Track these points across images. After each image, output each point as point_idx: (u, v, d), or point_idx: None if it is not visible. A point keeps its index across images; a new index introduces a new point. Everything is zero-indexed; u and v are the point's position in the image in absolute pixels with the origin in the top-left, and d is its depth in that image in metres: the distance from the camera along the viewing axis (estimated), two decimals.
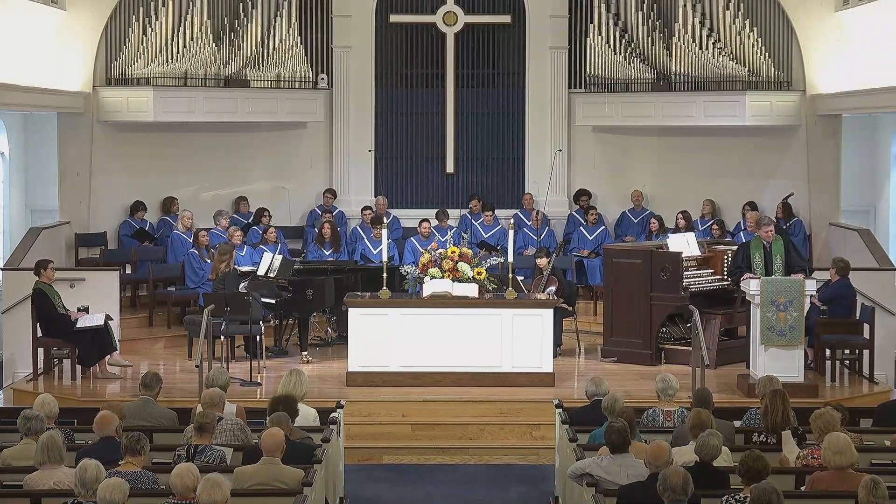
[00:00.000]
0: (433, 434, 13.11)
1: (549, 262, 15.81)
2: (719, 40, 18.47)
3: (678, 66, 18.39)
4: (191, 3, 18.29)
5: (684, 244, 15.64)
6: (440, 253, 14.29)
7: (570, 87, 19.32)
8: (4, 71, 15.65)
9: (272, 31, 18.78)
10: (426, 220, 17.87)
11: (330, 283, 15.78)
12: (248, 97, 18.54)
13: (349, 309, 14.15)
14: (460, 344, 13.99)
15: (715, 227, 17.89)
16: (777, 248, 13.61)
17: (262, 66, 18.64)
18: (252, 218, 18.47)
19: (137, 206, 18.37)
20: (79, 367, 14.54)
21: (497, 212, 18.69)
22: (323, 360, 15.60)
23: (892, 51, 16.03)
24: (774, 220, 15.76)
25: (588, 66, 18.87)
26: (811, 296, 13.54)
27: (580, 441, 9.83)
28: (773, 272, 13.48)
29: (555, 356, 14.56)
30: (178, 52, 18.11)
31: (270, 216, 18.25)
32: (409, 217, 18.83)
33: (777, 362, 13.23)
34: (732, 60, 18.28)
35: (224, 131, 18.93)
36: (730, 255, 15.39)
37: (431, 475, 12.28)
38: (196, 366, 13.17)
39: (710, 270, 15.69)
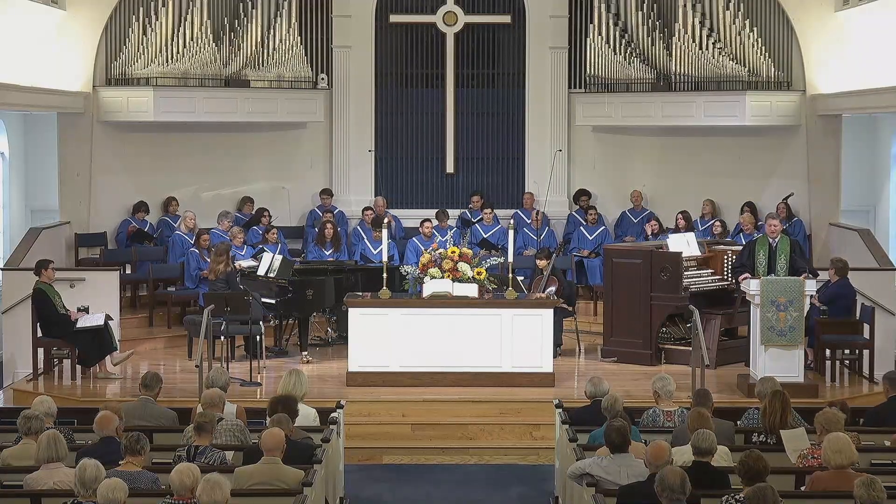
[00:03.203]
0: (433, 434, 13.11)
1: (549, 263, 15.81)
2: (719, 40, 18.47)
3: (678, 66, 18.39)
4: (191, 3, 18.29)
5: (684, 244, 15.64)
6: (440, 253, 14.29)
7: (570, 87, 19.33)
8: (4, 71, 15.65)
9: (272, 31, 18.79)
10: (428, 219, 17.85)
11: (330, 283, 15.78)
12: (248, 97, 18.55)
13: (349, 309, 14.14)
14: (460, 344, 13.98)
15: (717, 224, 17.90)
16: (782, 247, 13.61)
17: (262, 66, 18.64)
18: (252, 217, 18.47)
19: (139, 207, 18.38)
20: (79, 367, 14.54)
21: (497, 212, 18.69)
22: (323, 360, 15.59)
23: (892, 51, 16.03)
24: (781, 218, 15.78)
25: (588, 66, 18.87)
26: (811, 296, 13.55)
27: (580, 441, 9.83)
28: (777, 272, 13.48)
29: (555, 356, 14.56)
30: (178, 52, 18.11)
31: (271, 216, 18.25)
32: (408, 217, 18.83)
33: (777, 362, 13.24)
34: (732, 60, 18.29)
35: (224, 131, 18.93)
36: (730, 254, 15.40)
37: (431, 475, 12.28)
38: (196, 366, 13.17)
39: (710, 270, 15.69)
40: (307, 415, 10.55)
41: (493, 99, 19.50)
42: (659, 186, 19.33)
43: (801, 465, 8.96)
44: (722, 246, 16.09)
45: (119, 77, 18.10)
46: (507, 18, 19.31)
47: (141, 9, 18.24)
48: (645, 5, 18.90)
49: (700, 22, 18.52)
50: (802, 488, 8.53)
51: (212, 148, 19.04)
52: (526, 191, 19.21)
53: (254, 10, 18.71)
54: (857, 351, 14.71)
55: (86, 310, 14.64)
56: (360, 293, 14.82)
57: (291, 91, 18.81)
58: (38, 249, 16.14)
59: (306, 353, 15.51)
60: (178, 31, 18.22)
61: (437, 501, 11.55)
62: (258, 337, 14.69)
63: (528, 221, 18.77)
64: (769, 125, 18.47)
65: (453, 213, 18.82)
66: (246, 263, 16.31)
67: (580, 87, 19.23)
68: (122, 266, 17.27)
